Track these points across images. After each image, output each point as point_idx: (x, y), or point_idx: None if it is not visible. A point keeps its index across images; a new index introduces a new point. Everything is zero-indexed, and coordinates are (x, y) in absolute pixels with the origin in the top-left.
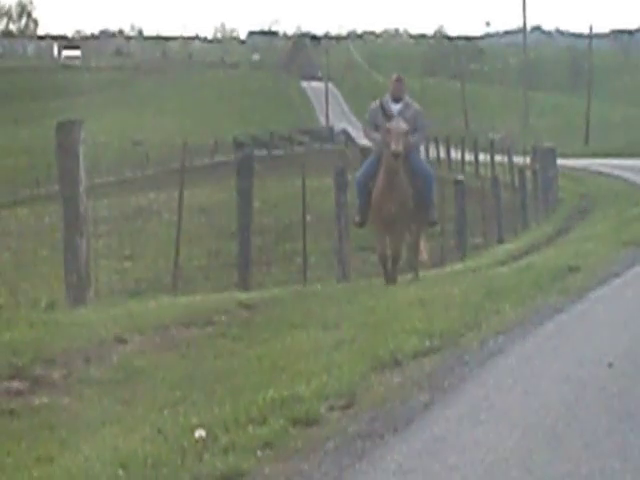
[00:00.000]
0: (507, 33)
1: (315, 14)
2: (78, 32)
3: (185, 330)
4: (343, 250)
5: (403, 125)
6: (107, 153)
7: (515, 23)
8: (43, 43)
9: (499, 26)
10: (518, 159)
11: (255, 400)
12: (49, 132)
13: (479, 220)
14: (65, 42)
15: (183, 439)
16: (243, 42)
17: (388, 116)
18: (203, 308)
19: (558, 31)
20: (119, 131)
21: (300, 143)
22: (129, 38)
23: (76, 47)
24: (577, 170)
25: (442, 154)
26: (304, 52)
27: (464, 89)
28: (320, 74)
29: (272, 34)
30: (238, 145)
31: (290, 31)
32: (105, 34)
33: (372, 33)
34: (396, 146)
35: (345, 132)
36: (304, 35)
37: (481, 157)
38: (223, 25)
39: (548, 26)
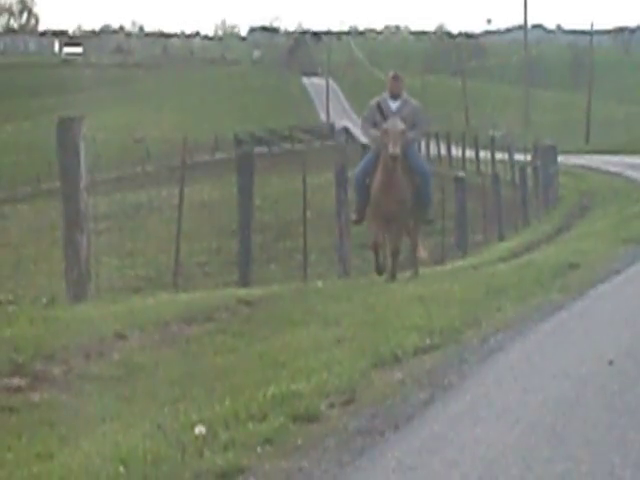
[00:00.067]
0: (508, 30)
1: (316, 10)
2: (79, 28)
3: (185, 327)
4: (344, 247)
5: (400, 124)
6: (108, 149)
7: (516, 20)
8: (44, 39)
9: (500, 23)
10: (519, 156)
11: (255, 397)
12: (50, 128)
13: (480, 217)
14: (66, 38)
15: (183, 435)
16: (244, 39)
17: (385, 116)
18: (203, 305)
19: (559, 28)
20: (120, 128)
21: (300, 141)
22: (130, 35)
23: (77, 44)
24: (577, 167)
25: (443, 151)
26: (305, 49)
27: (465, 86)
28: (321, 71)
29: (273, 31)
30: (239, 142)
31: (291, 28)
32: (106, 30)
33: (373, 30)
34: (394, 149)
35: (346, 130)
36: (305, 32)
37: (482, 154)
38: (224, 22)
39: (549, 23)
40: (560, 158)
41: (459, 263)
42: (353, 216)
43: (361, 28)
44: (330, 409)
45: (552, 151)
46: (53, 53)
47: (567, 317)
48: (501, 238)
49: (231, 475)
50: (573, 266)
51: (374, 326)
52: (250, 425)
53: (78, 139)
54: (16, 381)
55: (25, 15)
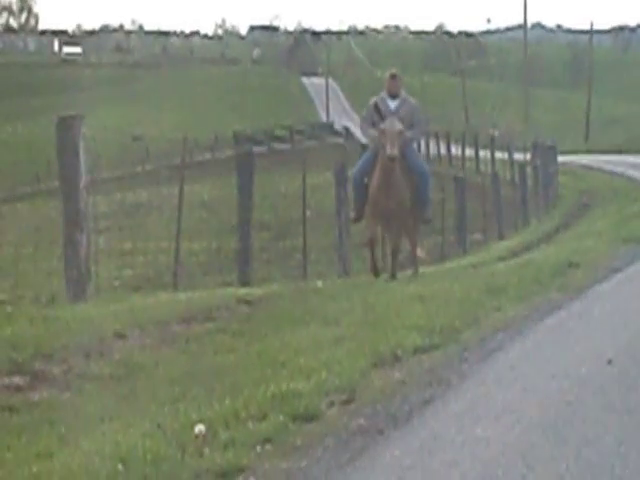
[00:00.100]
0: (508, 29)
1: (316, 10)
2: (79, 27)
3: (185, 326)
4: (343, 246)
5: (397, 125)
6: (107, 149)
7: (516, 19)
8: (44, 38)
9: (500, 22)
10: (519, 155)
11: (255, 396)
12: (49, 128)
13: (479, 216)
14: (66, 38)
15: (183, 435)
16: (243, 38)
17: (382, 116)
18: (203, 304)
19: (559, 27)
20: (119, 126)
21: (300, 140)
22: (129, 34)
23: (77, 43)
24: (577, 167)
25: (442, 150)
26: (305, 48)
27: (464, 85)
28: (321, 70)
29: (273, 30)
30: (239, 141)
31: (291, 27)
32: (105, 30)
33: (373, 29)
34: (391, 150)
35: (346, 129)
36: (305, 31)
37: (481, 153)
38: (224, 21)
39: (549, 22)
40: (560, 159)
41: (459, 262)
42: (352, 215)
43: (361, 27)
44: (330, 408)
45: (552, 150)
46: (53, 52)
47: (567, 316)
48: (501, 237)
49: (231, 474)
50: (573, 265)
51: (374, 325)
52: (250, 424)
53: (78, 138)
54: (16, 380)
55: (25, 14)
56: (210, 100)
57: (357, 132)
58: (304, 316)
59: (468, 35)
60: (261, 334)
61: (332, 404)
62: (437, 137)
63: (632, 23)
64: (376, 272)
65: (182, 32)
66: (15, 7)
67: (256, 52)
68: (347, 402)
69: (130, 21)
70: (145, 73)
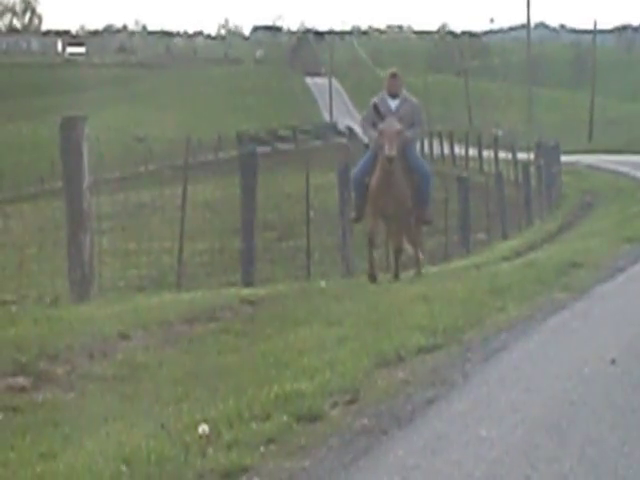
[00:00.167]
0: (511, 29)
1: (319, 10)
2: (82, 28)
3: (189, 326)
4: (347, 247)
5: (396, 125)
6: (111, 149)
7: (519, 19)
8: (47, 39)
9: (503, 22)
10: (522, 155)
11: (259, 396)
12: (53, 128)
13: (483, 216)
14: (69, 38)
15: (187, 435)
16: (247, 38)
17: (382, 115)
18: (207, 304)
19: (562, 27)
20: (123, 127)
21: (304, 140)
22: (133, 34)
23: (80, 44)
24: (581, 167)
25: (446, 150)
26: (308, 48)
27: (468, 85)
28: (324, 70)
29: (276, 30)
30: (242, 141)
31: (294, 27)
32: (109, 30)
33: (376, 29)
34: (389, 150)
35: (350, 129)
36: (308, 31)
37: (485, 153)
38: (227, 21)
39: (552, 22)
40: (564, 158)
41: (462, 262)
42: (352, 214)
43: (364, 27)
44: (333, 408)
45: (555, 150)
46: (56, 53)
47: (570, 316)
48: (504, 237)
49: (234, 474)
50: (576, 265)
51: (377, 325)
52: (253, 424)
53: (81, 139)
54: (20, 381)
55: (28, 15)
56: (213, 100)
57: (358, 130)
58: (308, 316)
59: (471, 35)
60: (264, 334)
61: (336, 404)
62: (440, 137)
63: (635, 23)
64: (372, 276)
65: (185, 32)
66: (18, 8)
67: (259, 52)
68: (351, 402)
69: (134, 21)
70: (148, 73)
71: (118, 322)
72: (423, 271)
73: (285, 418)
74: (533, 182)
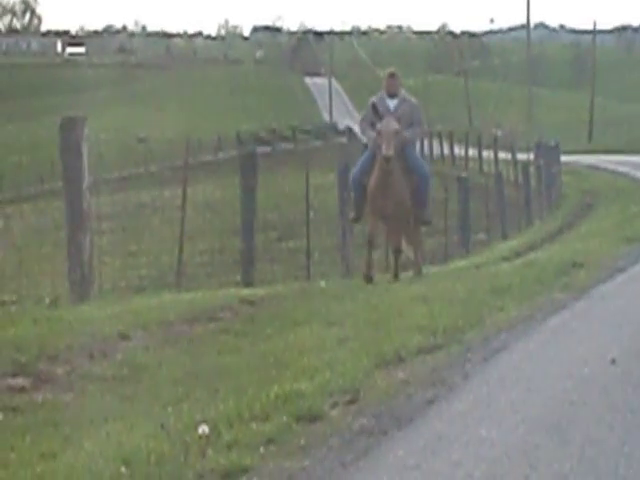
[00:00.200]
0: (511, 29)
1: (319, 10)
2: (82, 28)
3: (189, 326)
4: (346, 247)
5: (394, 124)
6: (111, 149)
7: (519, 19)
8: (47, 39)
9: (503, 22)
10: (522, 155)
11: (258, 396)
12: (53, 128)
13: (483, 216)
14: (69, 38)
15: (186, 435)
16: (246, 38)
17: (380, 115)
18: (207, 304)
19: (562, 27)
20: (122, 127)
21: (304, 140)
22: (133, 34)
23: (80, 44)
24: (581, 167)
25: (446, 150)
26: (308, 48)
27: (467, 85)
28: (323, 70)
29: (276, 30)
30: (242, 142)
31: (294, 27)
32: (109, 30)
33: (376, 29)
34: (386, 150)
35: (349, 129)
36: (308, 31)
37: (485, 153)
38: (227, 21)
39: (552, 22)
40: (564, 159)
41: (462, 262)
42: (351, 214)
43: (364, 28)
44: (333, 409)
45: (555, 150)
46: (56, 53)
47: (570, 316)
48: (504, 237)
49: (234, 475)
50: (576, 265)
51: (377, 326)
52: (253, 425)
53: (81, 139)
54: (20, 381)
55: (28, 15)
56: (213, 100)
57: (358, 131)
58: (307, 316)
59: (471, 35)
60: (264, 334)
61: (336, 404)
62: (440, 137)
63: (635, 23)
64: (368, 277)
65: (185, 33)
66: (18, 8)
67: (259, 53)
68: (351, 402)
69: (133, 22)
70: (148, 74)
71: (118, 322)
72: (423, 271)
73: (285, 418)
74: (533, 182)
